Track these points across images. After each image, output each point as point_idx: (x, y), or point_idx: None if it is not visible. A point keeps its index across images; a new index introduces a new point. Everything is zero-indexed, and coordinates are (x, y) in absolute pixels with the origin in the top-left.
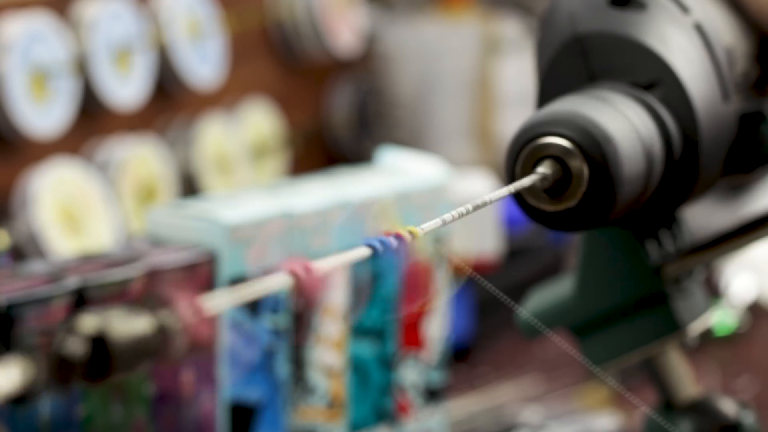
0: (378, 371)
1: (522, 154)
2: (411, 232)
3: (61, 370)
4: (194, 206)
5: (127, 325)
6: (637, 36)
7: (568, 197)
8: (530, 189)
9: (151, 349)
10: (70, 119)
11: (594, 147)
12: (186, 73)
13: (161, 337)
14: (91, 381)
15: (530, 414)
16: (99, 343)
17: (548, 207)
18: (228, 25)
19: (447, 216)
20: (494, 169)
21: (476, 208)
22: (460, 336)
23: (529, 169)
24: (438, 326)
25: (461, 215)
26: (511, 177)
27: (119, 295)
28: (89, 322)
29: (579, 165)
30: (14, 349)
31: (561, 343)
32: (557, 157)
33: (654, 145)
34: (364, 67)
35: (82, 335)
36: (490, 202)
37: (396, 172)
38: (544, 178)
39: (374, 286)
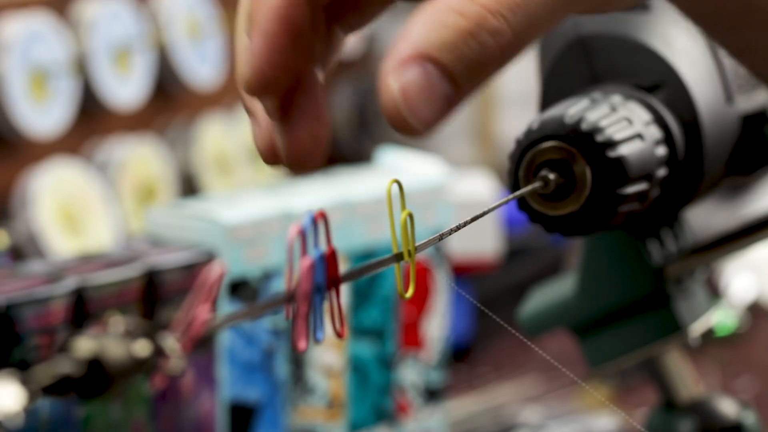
0: (378, 371)
1: (525, 157)
2: (408, 251)
3: (56, 388)
4: (194, 206)
5: (123, 347)
6: (641, 38)
7: (571, 201)
8: (532, 193)
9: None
10: (70, 119)
11: (596, 150)
12: (186, 73)
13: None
14: (87, 398)
15: (530, 414)
16: (95, 364)
17: (551, 211)
18: (228, 25)
19: (445, 230)
20: (494, 169)
21: (476, 218)
22: (460, 336)
23: (532, 173)
24: (438, 326)
25: (459, 228)
26: (514, 180)
27: (118, 295)
28: (85, 344)
29: (582, 169)
30: (14, 350)
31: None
32: (560, 160)
33: (658, 148)
34: (364, 67)
35: (78, 358)
36: (492, 209)
37: (396, 172)
38: (546, 182)
39: (374, 285)
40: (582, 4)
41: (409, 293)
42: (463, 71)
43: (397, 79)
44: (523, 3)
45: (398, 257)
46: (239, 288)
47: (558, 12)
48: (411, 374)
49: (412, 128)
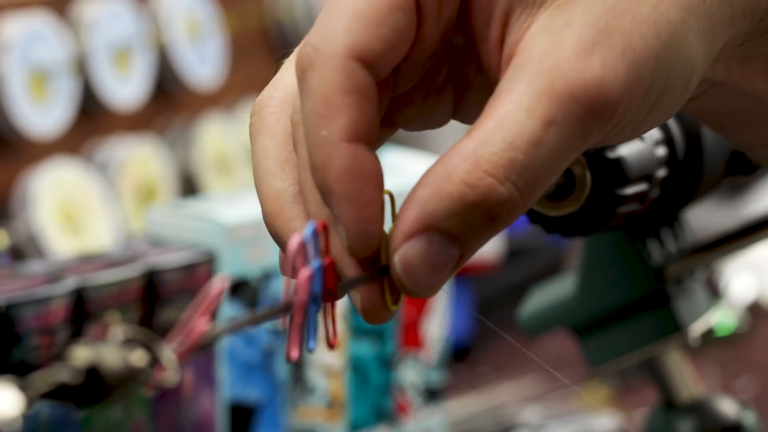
0: (377, 371)
1: None
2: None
3: (54, 396)
4: (193, 206)
5: (120, 357)
6: None
7: (571, 202)
8: None
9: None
10: (70, 119)
11: (596, 151)
12: (186, 73)
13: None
14: (84, 406)
15: (530, 414)
16: (92, 373)
17: (550, 212)
18: (228, 25)
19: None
20: None
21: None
22: (460, 336)
23: None
24: (438, 326)
25: None
26: None
27: (118, 295)
28: (82, 353)
29: (581, 170)
30: (14, 350)
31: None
32: None
33: (657, 148)
34: None
35: (75, 367)
36: None
37: (396, 172)
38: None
39: None
40: (578, 152)
41: (397, 306)
42: (470, 235)
43: (401, 251)
44: (530, 164)
45: (383, 271)
46: (239, 288)
47: (562, 164)
48: (411, 374)
49: (417, 295)
